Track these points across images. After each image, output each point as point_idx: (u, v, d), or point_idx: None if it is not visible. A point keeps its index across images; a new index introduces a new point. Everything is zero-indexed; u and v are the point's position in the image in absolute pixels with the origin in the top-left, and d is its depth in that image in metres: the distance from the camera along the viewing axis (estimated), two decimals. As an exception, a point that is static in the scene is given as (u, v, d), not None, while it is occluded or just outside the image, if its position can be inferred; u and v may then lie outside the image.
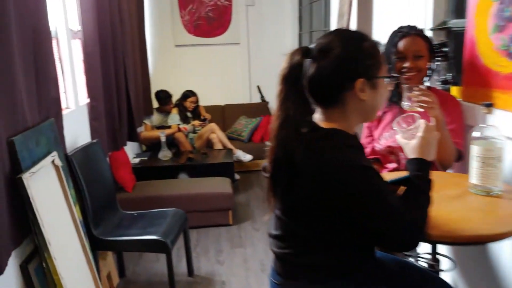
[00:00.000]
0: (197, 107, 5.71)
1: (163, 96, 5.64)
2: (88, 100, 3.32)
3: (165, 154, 4.82)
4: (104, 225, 2.81)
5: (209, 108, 5.99)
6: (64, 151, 2.63)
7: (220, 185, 4.12)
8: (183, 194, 3.93)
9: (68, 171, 2.58)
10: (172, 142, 5.32)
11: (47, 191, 2.26)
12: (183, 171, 4.62)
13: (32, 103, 2.31)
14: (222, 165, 4.71)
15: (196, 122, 5.47)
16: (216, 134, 5.42)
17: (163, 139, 4.84)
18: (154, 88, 5.58)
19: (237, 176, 5.26)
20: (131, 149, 4.95)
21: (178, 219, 3.05)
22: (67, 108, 3.11)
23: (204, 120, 5.59)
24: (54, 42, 2.99)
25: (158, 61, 6.20)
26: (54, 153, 2.38)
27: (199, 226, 3.96)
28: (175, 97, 5.73)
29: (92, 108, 3.32)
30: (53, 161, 2.36)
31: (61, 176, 2.41)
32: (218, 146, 5.39)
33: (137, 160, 4.73)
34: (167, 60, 6.23)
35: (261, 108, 6.29)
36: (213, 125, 5.45)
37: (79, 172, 2.66)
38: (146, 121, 5.42)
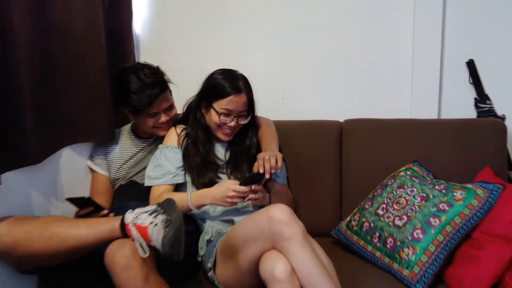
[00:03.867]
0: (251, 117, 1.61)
1: (141, 83, 1.67)
2: None
3: None
4: None
5: (292, 128, 1.82)
6: None
7: None
8: None
9: None
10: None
11: None
12: None
13: None
14: None
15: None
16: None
17: None
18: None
19: None
20: None
21: None
22: None
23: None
24: None
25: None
26: None
27: None
28: (186, 85, 1.72)
29: None
30: None
31: None
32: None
33: None
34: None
35: (481, 135, 1.81)
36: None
37: None
38: (94, 165, 1.89)
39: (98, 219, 1.37)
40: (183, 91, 1.76)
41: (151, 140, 1.84)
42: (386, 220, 1.53)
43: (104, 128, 1.79)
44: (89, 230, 1.28)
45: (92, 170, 1.85)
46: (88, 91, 1.70)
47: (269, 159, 1.52)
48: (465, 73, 2.00)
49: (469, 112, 1.99)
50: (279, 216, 1.26)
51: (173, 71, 1.84)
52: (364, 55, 2.06)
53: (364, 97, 2.07)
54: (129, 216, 1.26)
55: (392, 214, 1.52)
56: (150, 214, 1.24)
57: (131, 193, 1.77)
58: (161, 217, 1.21)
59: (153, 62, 1.83)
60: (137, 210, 1.27)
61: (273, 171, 1.50)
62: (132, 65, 1.71)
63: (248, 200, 1.48)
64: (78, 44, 1.65)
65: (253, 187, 1.47)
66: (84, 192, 1.84)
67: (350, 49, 2.06)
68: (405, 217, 1.49)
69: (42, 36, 1.51)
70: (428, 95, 2.00)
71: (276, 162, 1.53)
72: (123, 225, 1.25)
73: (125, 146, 1.85)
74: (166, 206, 1.28)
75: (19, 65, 1.38)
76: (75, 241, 1.26)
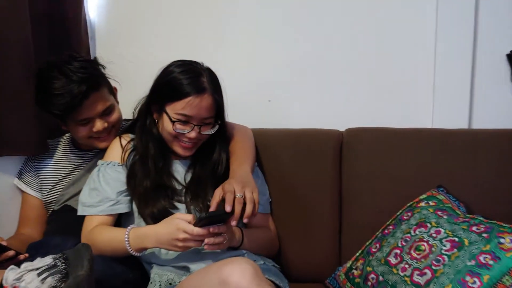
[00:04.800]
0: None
1: (65, 80, 1.25)
2: None
3: None
4: None
5: (279, 139, 1.42)
6: None
7: None
8: None
9: None
10: None
11: None
12: None
13: None
14: None
15: None
16: None
17: None
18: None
19: None
20: None
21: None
22: None
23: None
24: None
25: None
26: None
27: None
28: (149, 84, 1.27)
29: None
30: None
31: None
32: None
33: None
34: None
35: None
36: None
37: None
38: (22, 184, 1.48)
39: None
40: (143, 91, 1.34)
41: (94, 152, 1.43)
42: (401, 274, 1.07)
43: (32, 137, 1.39)
44: (-42, 292, 0.86)
45: (21, 191, 1.45)
46: (9, 90, 1.32)
47: (241, 198, 1.08)
48: (505, 68, 1.54)
49: (510, 120, 1.53)
50: (237, 280, 0.84)
51: (134, 66, 1.53)
52: (371, 48, 1.60)
53: (371, 100, 1.61)
54: (11, 275, 0.84)
55: (409, 265, 1.07)
56: (40, 273, 0.81)
57: (65, 223, 1.36)
58: (50, 281, 0.79)
59: (113, 56, 1.43)
60: (24, 266, 0.84)
61: (245, 220, 1.07)
62: (58, 58, 1.30)
63: (205, 244, 1.05)
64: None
65: (211, 229, 1.04)
66: (10, 220, 1.44)
67: (354, 41, 1.61)
68: (428, 272, 1.04)
69: None
70: (455, 98, 1.54)
71: (254, 205, 1.09)
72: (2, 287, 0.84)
73: (61, 160, 1.45)
74: (72, 258, 0.86)
75: None
76: None
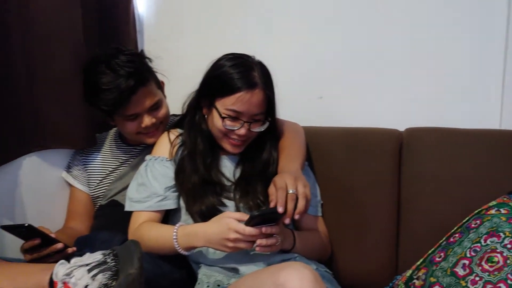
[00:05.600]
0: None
1: (113, 75, 1.24)
2: None
3: None
4: None
5: (331, 139, 1.37)
6: None
7: None
8: None
9: None
10: None
11: None
12: None
13: None
14: None
15: None
16: None
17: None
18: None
19: None
20: None
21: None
22: None
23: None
24: None
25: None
26: None
27: None
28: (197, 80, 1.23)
29: None
30: None
31: None
32: None
33: None
34: None
35: None
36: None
37: None
38: (70, 178, 1.46)
39: (29, 267, 0.94)
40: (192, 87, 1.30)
41: (141, 147, 1.40)
42: (471, 287, 0.98)
43: (81, 131, 1.39)
44: (10, 283, 0.85)
45: (69, 185, 1.46)
46: (60, 84, 1.32)
47: (294, 194, 1.02)
48: None
49: None
50: (295, 286, 0.77)
51: (182, 60, 1.53)
52: (434, 42, 1.49)
53: (434, 98, 1.50)
54: (61, 270, 0.81)
55: (480, 278, 0.97)
56: (90, 270, 0.79)
57: (112, 218, 1.35)
58: (101, 278, 0.76)
59: (161, 50, 1.42)
60: (74, 262, 0.82)
61: (296, 217, 1.01)
62: (105, 52, 1.29)
63: (257, 246, 1.00)
64: (43, 23, 1.28)
65: (263, 229, 0.98)
66: (58, 213, 1.45)
67: (416, 34, 1.50)
68: (503, 286, 0.93)
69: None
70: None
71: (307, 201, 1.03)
72: (52, 282, 0.81)
73: (109, 154, 1.44)
74: (122, 255, 0.83)
75: None
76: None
